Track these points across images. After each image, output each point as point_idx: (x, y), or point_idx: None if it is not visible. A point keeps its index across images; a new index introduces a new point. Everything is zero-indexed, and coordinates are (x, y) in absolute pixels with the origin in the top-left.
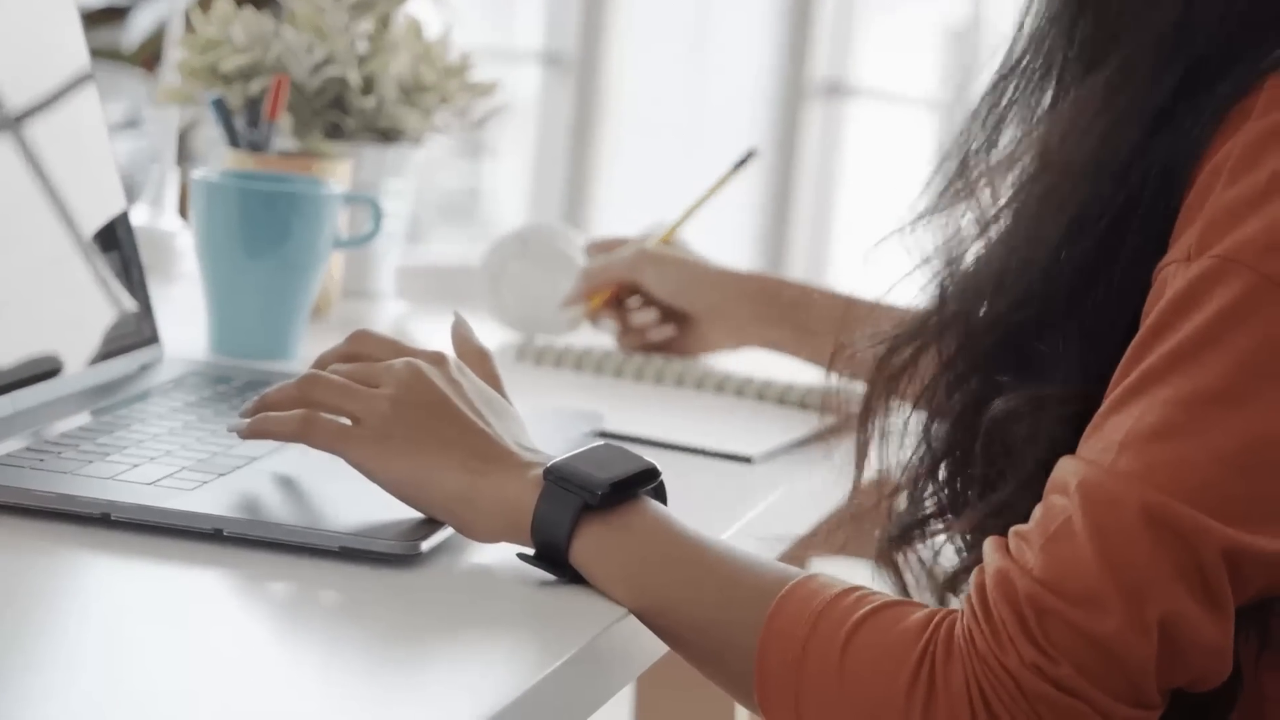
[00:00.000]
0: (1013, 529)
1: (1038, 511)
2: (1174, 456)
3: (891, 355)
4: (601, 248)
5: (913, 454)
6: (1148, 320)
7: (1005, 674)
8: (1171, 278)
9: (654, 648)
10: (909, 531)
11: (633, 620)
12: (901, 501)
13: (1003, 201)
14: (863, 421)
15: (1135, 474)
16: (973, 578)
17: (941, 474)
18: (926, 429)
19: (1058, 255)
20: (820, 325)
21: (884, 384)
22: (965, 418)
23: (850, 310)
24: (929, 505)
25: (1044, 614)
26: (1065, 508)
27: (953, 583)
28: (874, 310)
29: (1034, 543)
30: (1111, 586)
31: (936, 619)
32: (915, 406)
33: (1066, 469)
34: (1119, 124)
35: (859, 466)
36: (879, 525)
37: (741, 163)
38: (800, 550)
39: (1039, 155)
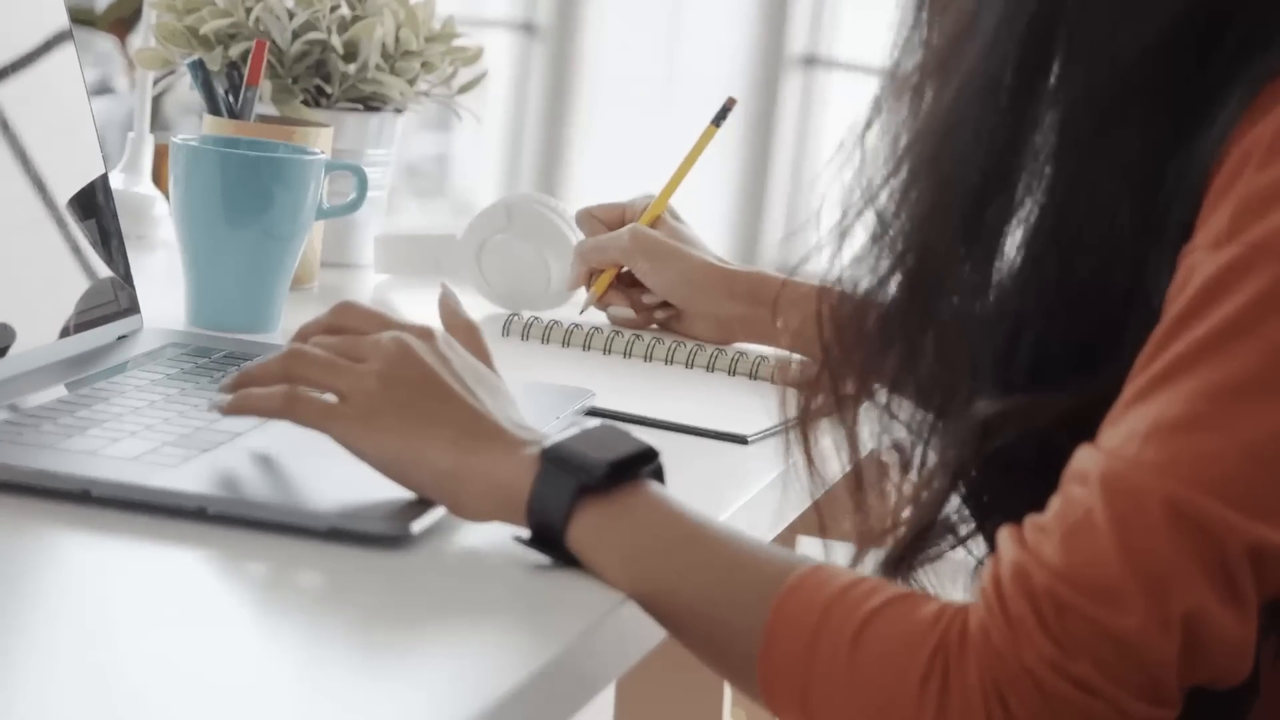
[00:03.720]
0: (1028, 518)
1: (1055, 502)
2: (1199, 449)
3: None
4: (591, 217)
5: (918, 464)
6: (1173, 307)
7: (1022, 670)
8: (1199, 264)
9: (650, 635)
10: (921, 541)
11: (630, 606)
12: (911, 512)
13: (898, 175)
14: (850, 424)
15: (1159, 466)
16: (986, 569)
17: (952, 482)
18: (927, 432)
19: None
20: (809, 325)
21: (869, 391)
22: (961, 427)
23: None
24: (942, 515)
25: (1063, 609)
26: (1085, 499)
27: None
28: (859, 307)
29: (1052, 534)
30: (1133, 582)
31: (950, 612)
32: (915, 405)
33: (1087, 459)
34: (972, 85)
35: (852, 459)
36: (882, 524)
37: (721, 115)
38: (789, 531)
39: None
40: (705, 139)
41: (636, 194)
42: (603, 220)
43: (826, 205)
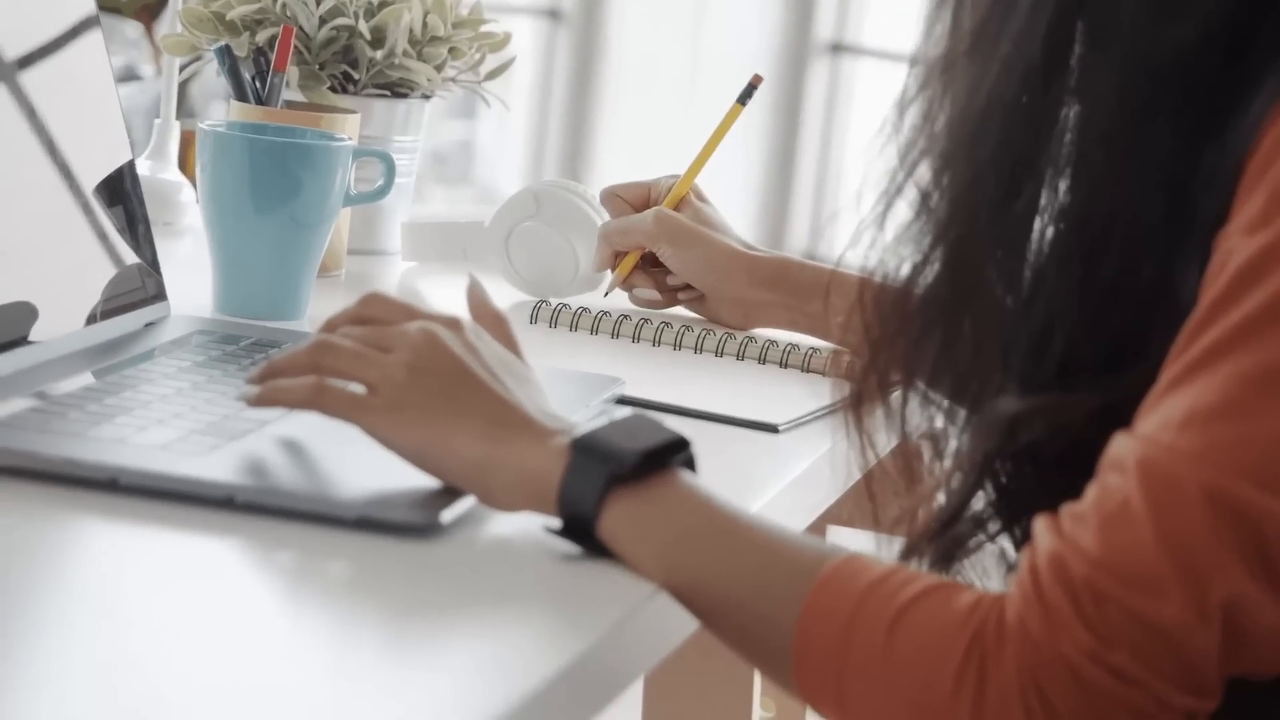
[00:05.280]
0: (1065, 507)
1: (1092, 490)
2: (1237, 435)
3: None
4: (616, 197)
5: (950, 453)
6: (1209, 292)
7: (1059, 660)
8: (1234, 250)
9: (682, 627)
10: (959, 535)
11: (662, 598)
12: (939, 502)
13: (934, 156)
14: (897, 413)
15: (1196, 453)
16: (1022, 559)
17: (982, 474)
18: (960, 422)
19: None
20: (838, 310)
21: (910, 381)
22: (991, 420)
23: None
24: (972, 510)
25: (1101, 599)
26: (1122, 487)
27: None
28: (901, 294)
29: (1089, 523)
30: (1172, 570)
31: (987, 603)
32: (952, 399)
33: (1123, 446)
34: (998, 80)
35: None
36: (915, 514)
37: (747, 94)
38: (820, 521)
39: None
40: (731, 118)
41: (666, 174)
42: (628, 200)
43: (866, 187)
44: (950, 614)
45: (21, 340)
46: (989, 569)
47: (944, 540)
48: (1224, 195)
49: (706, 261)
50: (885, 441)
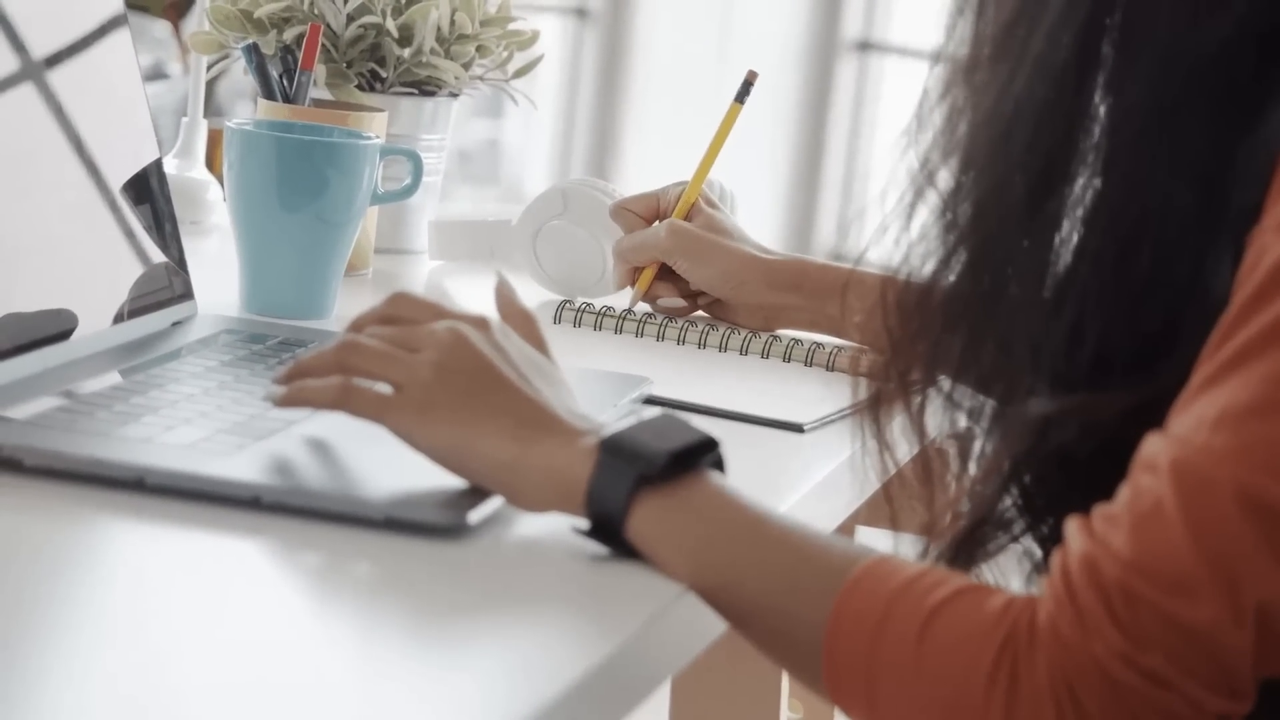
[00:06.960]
0: (1097, 508)
1: (1125, 491)
2: (1271, 434)
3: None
4: (626, 211)
5: (977, 456)
6: (1242, 290)
7: (1092, 663)
8: (1269, 247)
9: (711, 628)
10: (984, 536)
11: (690, 599)
12: (968, 505)
13: (960, 157)
14: (916, 413)
15: (1230, 453)
16: (1054, 561)
17: (1011, 476)
18: (987, 424)
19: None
20: (875, 315)
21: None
22: (1020, 421)
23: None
24: (998, 511)
25: (1134, 601)
26: (1155, 488)
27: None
28: (924, 293)
29: (1122, 524)
30: (1206, 572)
31: (1019, 605)
32: (980, 393)
33: (1155, 447)
34: (1018, 78)
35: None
36: (944, 515)
37: (744, 91)
38: (848, 522)
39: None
40: (731, 118)
41: (674, 182)
42: (637, 213)
43: (890, 188)
44: (982, 616)
45: (51, 340)
46: (1006, 569)
47: (969, 543)
48: (1257, 191)
49: (723, 271)
50: (905, 447)
